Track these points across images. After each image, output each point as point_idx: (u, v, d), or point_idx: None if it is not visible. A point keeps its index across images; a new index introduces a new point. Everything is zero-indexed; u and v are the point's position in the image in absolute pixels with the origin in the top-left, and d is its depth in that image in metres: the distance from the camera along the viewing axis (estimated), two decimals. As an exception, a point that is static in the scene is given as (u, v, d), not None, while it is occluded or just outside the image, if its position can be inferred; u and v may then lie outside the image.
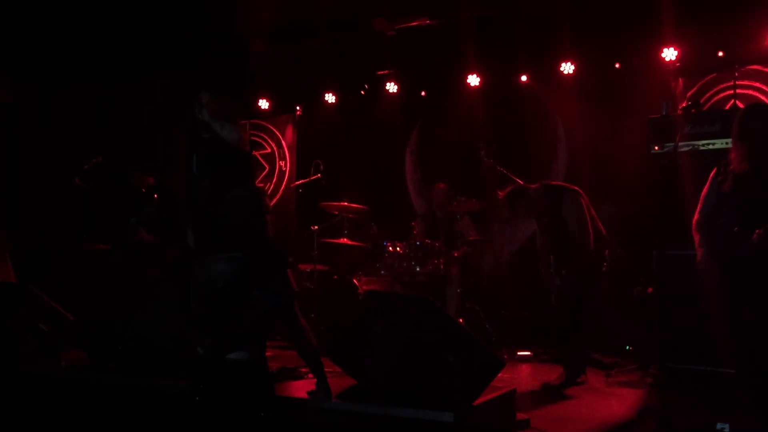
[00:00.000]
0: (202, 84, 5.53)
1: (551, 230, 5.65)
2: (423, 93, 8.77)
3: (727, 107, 6.57)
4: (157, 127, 8.62)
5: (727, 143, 4.72)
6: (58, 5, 7.32)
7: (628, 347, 6.34)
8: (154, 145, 8.51)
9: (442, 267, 6.89)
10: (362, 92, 8.95)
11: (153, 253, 5.92)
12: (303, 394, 4.21)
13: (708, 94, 6.99)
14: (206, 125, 4.85)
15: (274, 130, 9.60)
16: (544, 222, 5.75)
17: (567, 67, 7.65)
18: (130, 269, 5.84)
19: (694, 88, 7.10)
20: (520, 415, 4.37)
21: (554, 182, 6.03)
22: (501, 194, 5.71)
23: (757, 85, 6.76)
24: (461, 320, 6.71)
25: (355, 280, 6.91)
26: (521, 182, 6.84)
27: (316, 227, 7.29)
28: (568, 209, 5.44)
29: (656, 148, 5.38)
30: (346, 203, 7.28)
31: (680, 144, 5.13)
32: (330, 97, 9.06)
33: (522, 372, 6.10)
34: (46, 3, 7.27)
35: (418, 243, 6.94)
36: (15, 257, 6.75)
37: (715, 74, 7.01)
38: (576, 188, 5.58)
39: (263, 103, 9.39)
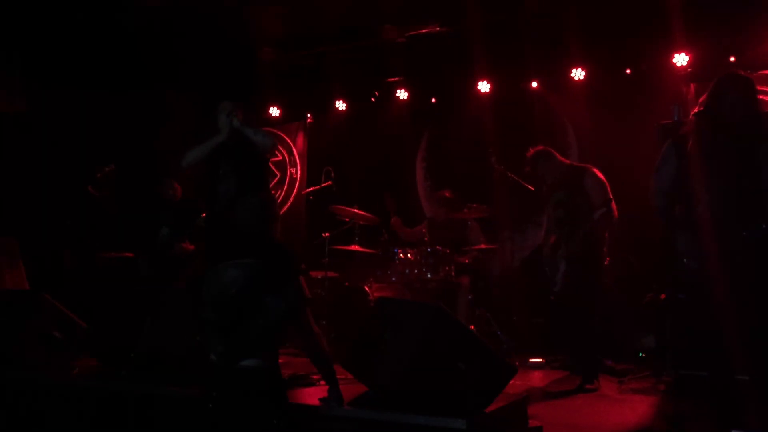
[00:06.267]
0: (224, 93, 5.56)
1: (566, 205, 5.74)
2: (433, 100, 8.79)
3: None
4: (169, 136, 8.66)
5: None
6: (71, 15, 7.38)
7: (641, 354, 6.31)
8: (165, 154, 8.55)
9: (453, 274, 6.88)
10: (372, 99, 8.98)
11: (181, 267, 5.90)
12: (315, 401, 4.21)
13: (721, 100, 6.95)
14: (235, 132, 4.87)
15: (285, 137, 9.65)
16: (560, 195, 5.83)
17: (577, 74, 7.66)
18: (159, 280, 5.81)
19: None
20: (533, 423, 4.34)
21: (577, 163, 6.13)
22: (531, 151, 5.99)
23: (769, 89, 6.74)
24: (472, 327, 6.69)
25: (366, 287, 6.91)
26: (532, 188, 6.85)
27: (327, 234, 7.30)
28: (592, 184, 5.64)
29: (667, 153, 5.35)
30: (356, 210, 7.29)
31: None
32: (340, 105, 9.10)
33: (534, 379, 6.07)
34: (58, 12, 7.34)
35: (429, 250, 6.93)
36: (27, 265, 6.79)
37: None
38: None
39: (274, 111, 9.43)
